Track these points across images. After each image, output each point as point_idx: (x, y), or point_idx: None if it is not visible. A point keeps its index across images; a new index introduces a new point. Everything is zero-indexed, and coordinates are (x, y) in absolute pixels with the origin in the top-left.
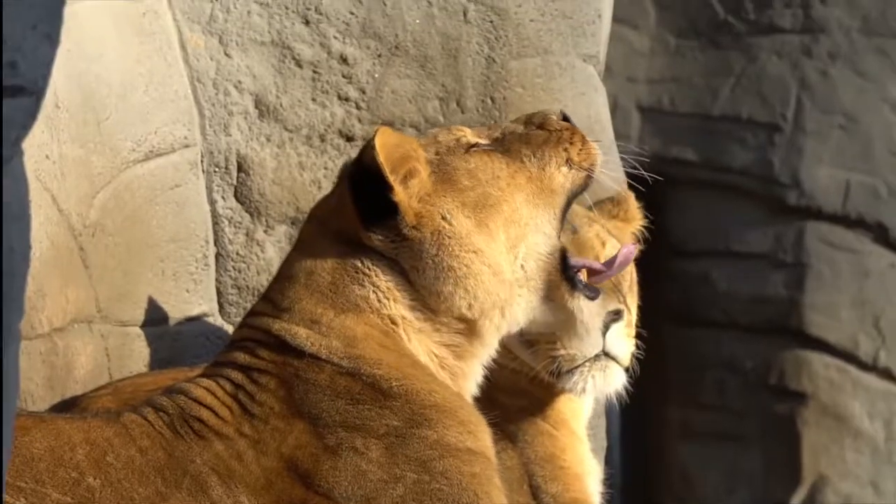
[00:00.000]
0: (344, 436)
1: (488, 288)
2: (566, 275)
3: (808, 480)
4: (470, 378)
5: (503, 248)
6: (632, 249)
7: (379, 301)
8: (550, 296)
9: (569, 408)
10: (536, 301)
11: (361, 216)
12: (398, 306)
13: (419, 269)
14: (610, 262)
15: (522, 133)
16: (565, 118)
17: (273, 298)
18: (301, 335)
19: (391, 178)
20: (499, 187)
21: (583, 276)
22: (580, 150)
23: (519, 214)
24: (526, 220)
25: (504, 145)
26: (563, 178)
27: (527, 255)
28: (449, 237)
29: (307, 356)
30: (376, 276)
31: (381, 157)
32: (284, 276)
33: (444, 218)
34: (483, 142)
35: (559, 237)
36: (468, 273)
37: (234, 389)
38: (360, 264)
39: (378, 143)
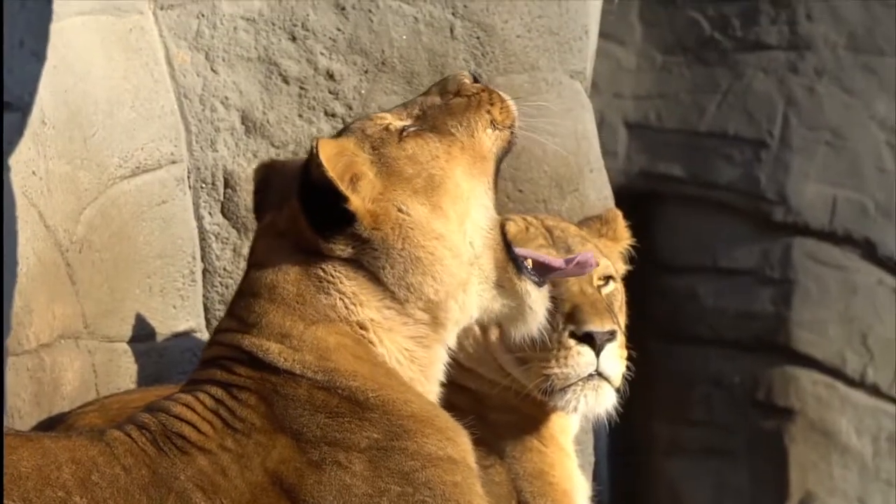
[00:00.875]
0: (327, 450)
1: (451, 270)
2: (510, 255)
3: (796, 496)
4: (437, 364)
5: (456, 228)
6: (590, 257)
7: (346, 308)
8: (500, 280)
9: (557, 424)
10: (487, 285)
11: (317, 228)
12: (366, 310)
13: (385, 266)
14: (568, 261)
15: (442, 104)
16: (476, 79)
17: (238, 315)
18: (273, 350)
19: (343, 189)
20: (440, 166)
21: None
22: (501, 108)
23: (461, 189)
24: (467, 193)
25: (429, 122)
26: (490, 141)
27: (473, 231)
28: (411, 228)
29: (282, 371)
30: (340, 282)
31: (330, 171)
32: (246, 293)
33: (400, 210)
34: (409, 123)
35: (495, 208)
36: (433, 259)
37: (215, 405)
38: (322, 273)
39: (323, 157)
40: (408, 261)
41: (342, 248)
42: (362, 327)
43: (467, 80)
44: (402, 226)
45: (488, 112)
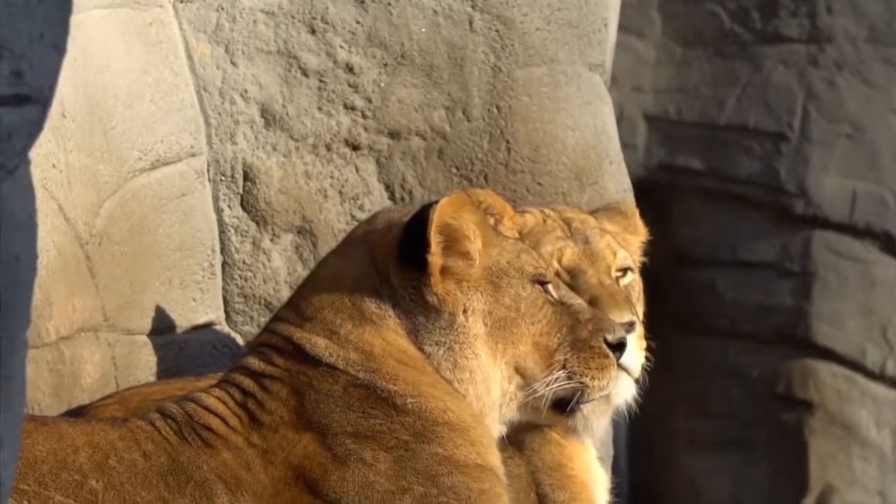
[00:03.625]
0: (353, 447)
1: (477, 391)
2: None
3: (816, 489)
4: (487, 421)
5: (500, 375)
6: None
7: (395, 321)
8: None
9: None
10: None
11: (401, 252)
12: (402, 340)
13: (422, 327)
14: None
15: (583, 318)
16: (620, 344)
17: (298, 304)
18: (320, 345)
19: (433, 240)
20: (528, 328)
21: None
22: (592, 379)
23: (525, 362)
24: (523, 372)
25: (563, 307)
26: (555, 383)
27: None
28: (459, 329)
29: (323, 366)
30: (390, 304)
31: (434, 216)
32: (315, 276)
33: (465, 311)
34: (551, 289)
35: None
36: (465, 366)
37: (244, 398)
38: (378, 286)
39: (441, 204)
40: (440, 342)
41: (401, 282)
42: (410, 334)
43: (610, 336)
44: (455, 320)
45: (582, 374)
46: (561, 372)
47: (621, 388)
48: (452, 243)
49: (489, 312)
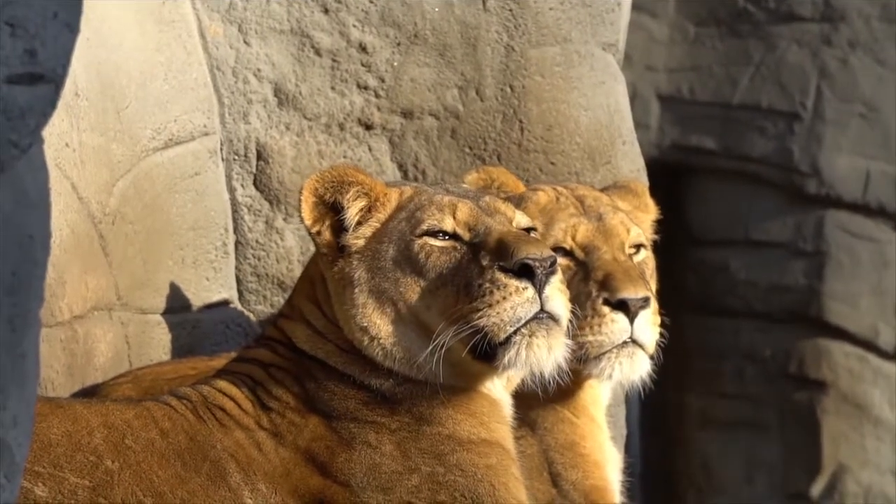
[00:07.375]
0: (357, 431)
1: (389, 355)
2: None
3: (828, 469)
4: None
5: (408, 335)
6: None
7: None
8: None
9: (589, 395)
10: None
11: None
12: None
13: (335, 305)
14: None
15: (483, 253)
16: (525, 266)
17: (290, 296)
18: (301, 337)
19: (307, 217)
20: (417, 283)
21: None
22: (485, 318)
23: (427, 317)
24: (428, 327)
25: (468, 250)
26: (450, 335)
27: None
28: (350, 303)
29: (312, 357)
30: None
31: (304, 193)
32: (304, 270)
33: (352, 283)
34: (447, 230)
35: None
36: (366, 334)
37: (254, 384)
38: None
39: (309, 180)
40: (347, 323)
41: (326, 267)
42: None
43: (504, 264)
44: (345, 293)
45: (477, 313)
46: (454, 322)
47: (636, 364)
48: (343, 220)
49: (370, 279)
